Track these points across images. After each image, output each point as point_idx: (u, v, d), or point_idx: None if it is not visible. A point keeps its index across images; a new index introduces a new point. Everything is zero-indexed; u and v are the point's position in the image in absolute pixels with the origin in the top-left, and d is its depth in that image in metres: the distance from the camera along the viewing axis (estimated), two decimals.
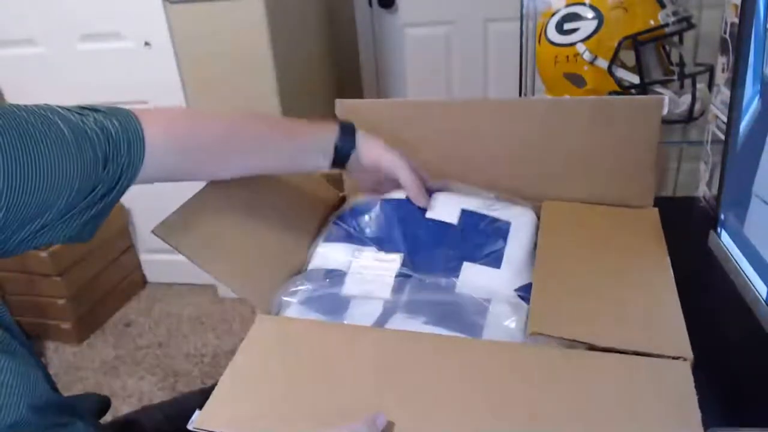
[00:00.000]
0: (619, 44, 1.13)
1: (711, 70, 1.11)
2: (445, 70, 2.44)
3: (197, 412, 0.51)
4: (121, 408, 1.77)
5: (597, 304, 0.60)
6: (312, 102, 2.13)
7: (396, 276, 0.68)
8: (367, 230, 0.75)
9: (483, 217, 0.72)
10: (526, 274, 0.67)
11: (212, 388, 0.56)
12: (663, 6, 1.12)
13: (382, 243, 0.73)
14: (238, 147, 0.68)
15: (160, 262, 2.41)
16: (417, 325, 0.62)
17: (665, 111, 1.20)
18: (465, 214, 0.73)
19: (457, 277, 0.67)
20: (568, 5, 1.20)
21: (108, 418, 0.81)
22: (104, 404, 0.74)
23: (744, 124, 0.66)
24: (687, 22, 1.14)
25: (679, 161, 1.78)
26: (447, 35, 2.40)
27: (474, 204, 0.74)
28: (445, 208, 0.74)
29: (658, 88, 1.20)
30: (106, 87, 2.04)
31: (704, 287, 0.81)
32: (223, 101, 1.89)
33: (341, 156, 0.73)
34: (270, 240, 0.75)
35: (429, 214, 0.73)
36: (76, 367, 2.04)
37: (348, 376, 0.55)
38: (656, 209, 0.79)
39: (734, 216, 0.69)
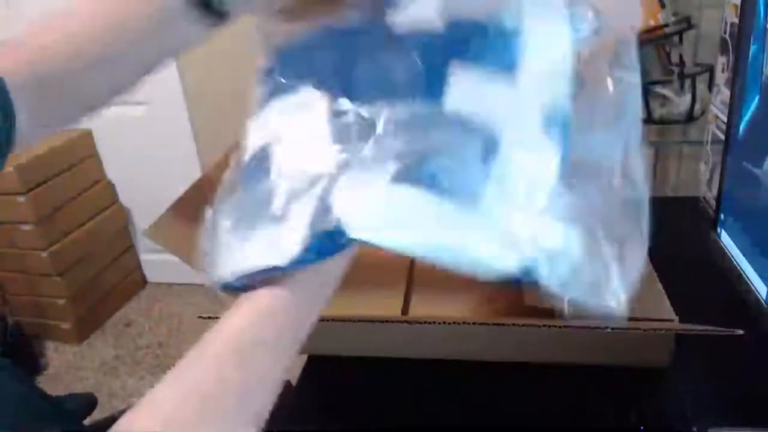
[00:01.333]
0: None
1: (711, 70, 1.11)
2: None
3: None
4: (121, 408, 1.77)
5: None
6: None
7: (333, 122, 0.44)
8: (300, 71, 0.50)
9: (479, 21, 0.45)
10: (556, 98, 0.42)
11: None
12: (663, 6, 1.12)
13: (319, 83, 0.47)
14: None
15: (160, 262, 2.41)
16: (379, 186, 0.39)
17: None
18: (454, 19, 0.46)
19: (441, 92, 0.42)
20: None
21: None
22: (90, 404, 0.74)
23: (744, 124, 0.66)
24: (687, 22, 1.14)
25: (679, 161, 1.78)
26: None
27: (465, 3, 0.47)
28: (418, 12, 0.47)
29: (658, 88, 1.20)
30: None
31: (704, 287, 0.81)
32: (224, 101, 1.89)
33: None
34: None
35: (395, 28, 0.47)
36: (76, 367, 2.04)
37: None
38: None
39: (734, 216, 0.69)
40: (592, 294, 0.39)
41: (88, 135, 2.15)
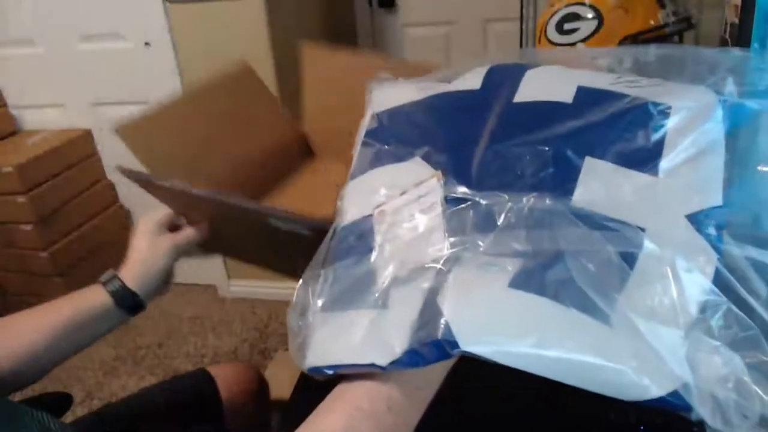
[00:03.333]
0: (619, 44, 1.13)
1: None
2: None
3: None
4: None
5: None
6: None
7: (446, 207, 0.39)
8: (410, 139, 0.45)
9: (618, 97, 0.40)
10: (708, 191, 0.37)
11: (168, 382, 0.57)
12: (663, 6, 1.13)
13: (429, 156, 0.43)
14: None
15: None
16: (496, 290, 0.34)
17: None
18: (584, 92, 0.41)
19: (572, 190, 0.37)
20: (568, 5, 1.20)
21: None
22: (65, 402, 0.75)
23: (744, 125, 0.66)
24: (687, 22, 1.14)
25: None
26: (447, 35, 2.40)
27: (599, 81, 0.43)
28: (547, 85, 0.43)
29: None
30: (106, 87, 2.04)
31: None
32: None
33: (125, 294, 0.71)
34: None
35: (518, 98, 0.43)
36: (76, 367, 2.04)
37: None
38: None
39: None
40: (749, 427, 0.31)
41: (88, 135, 2.15)
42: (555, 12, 1.21)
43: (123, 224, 2.32)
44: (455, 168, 0.40)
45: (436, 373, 0.38)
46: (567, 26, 1.18)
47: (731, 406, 0.31)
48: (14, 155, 1.96)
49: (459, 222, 0.37)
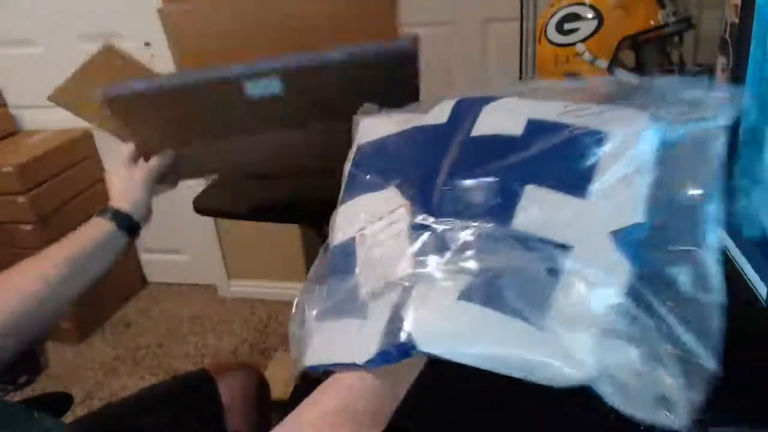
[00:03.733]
0: (619, 44, 1.13)
1: (711, 70, 1.11)
2: (444, 70, 2.44)
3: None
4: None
5: None
6: None
7: (412, 233, 0.46)
8: (386, 170, 0.53)
9: (560, 127, 0.46)
10: (631, 210, 0.43)
11: (167, 382, 0.58)
12: (663, 6, 1.12)
13: (401, 186, 0.51)
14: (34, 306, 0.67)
15: (160, 262, 2.41)
16: (448, 303, 0.42)
17: None
18: (533, 124, 0.48)
19: (513, 216, 0.44)
20: (568, 5, 1.20)
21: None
22: (65, 402, 0.76)
23: (744, 125, 0.66)
24: (687, 22, 1.14)
25: None
26: (447, 35, 2.40)
27: (548, 111, 0.48)
28: (501, 119, 0.50)
29: None
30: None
31: None
32: None
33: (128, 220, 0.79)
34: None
35: (475, 131, 0.50)
36: (76, 367, 2.04)
37: None
38: None
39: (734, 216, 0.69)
40: (653, 410, 0.39)
41: (88, 135, 2.15)
42: (555, 12, 1.21)
43: None
44: (420, 198, 0.48)
45: (408, 373, 0.47)
46: (567, 26, 1.18)
47: (631, 389, 0.39)
48: (14, 155, 1.96)
49: (422, 246, 0.45)
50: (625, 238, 0.42)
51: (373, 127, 0.59)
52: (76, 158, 2.10)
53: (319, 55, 0.76)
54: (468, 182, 0.46)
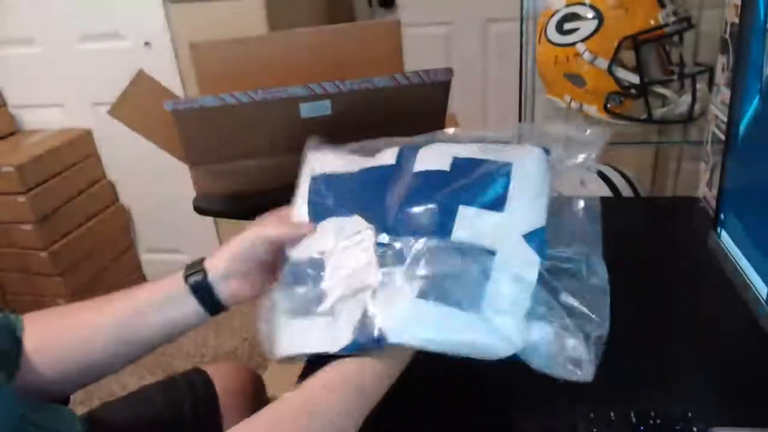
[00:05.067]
0: (619, 44, 1.13)
1: (711, 70, 1.11)
2: None
3: None
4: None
5: None
6: None
7: (376, 249, 0.59)
8: (347, 203, 0.65)
9: (479, 162, 0.62)
10: (536, 218, 0.58)
11: (164, 382, 0.60)
12: (663, 6, 1.12)
13: (363, 214, 0.63)
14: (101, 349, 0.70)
15: (160, 262, 2.41)
16: (408, 301, 0.54)
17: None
18: (458, 161, 0.62)
19: (451, 230, 0.57)
20: (568, 5, 1.20)
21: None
22: (64, 402, 0.76)
23: (744, 124, 0.66)
24: (687, 22, 1.14)
25: (679, 161, 1.78)
26: (447, 35, 2.39)
27: (468, 151, 0.64)
28: (433, 159, 0.64)
29: (658, 88, 1.20)
30: (106, 87, 2.03)
31: (704, 287, 0.81)
32: None
33: (203, 285, 0.71)
34: None
35: (416, 168, 0.64)
36: None
37: None
38: None
39: (734, 216, 0.69)
40: (566, 369, 0.53)
41: (88, 135, 2.15)
42: (555, 12, 1.21)
43: (123, 224, 2.32)
44: (381, 222, 0.60)
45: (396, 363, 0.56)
46: (567, 26, 1.18)
47: (550, 355, 0.54)
48: (14, 155, 1.96)
49: (384, 259, 0.57)
50: (533, 238, 0.56)
51: (323, 159, 0.70)
52: (76, 158, 2.10)
53: (368, 81, 0.93)
54: (415, 209, 0.59)
